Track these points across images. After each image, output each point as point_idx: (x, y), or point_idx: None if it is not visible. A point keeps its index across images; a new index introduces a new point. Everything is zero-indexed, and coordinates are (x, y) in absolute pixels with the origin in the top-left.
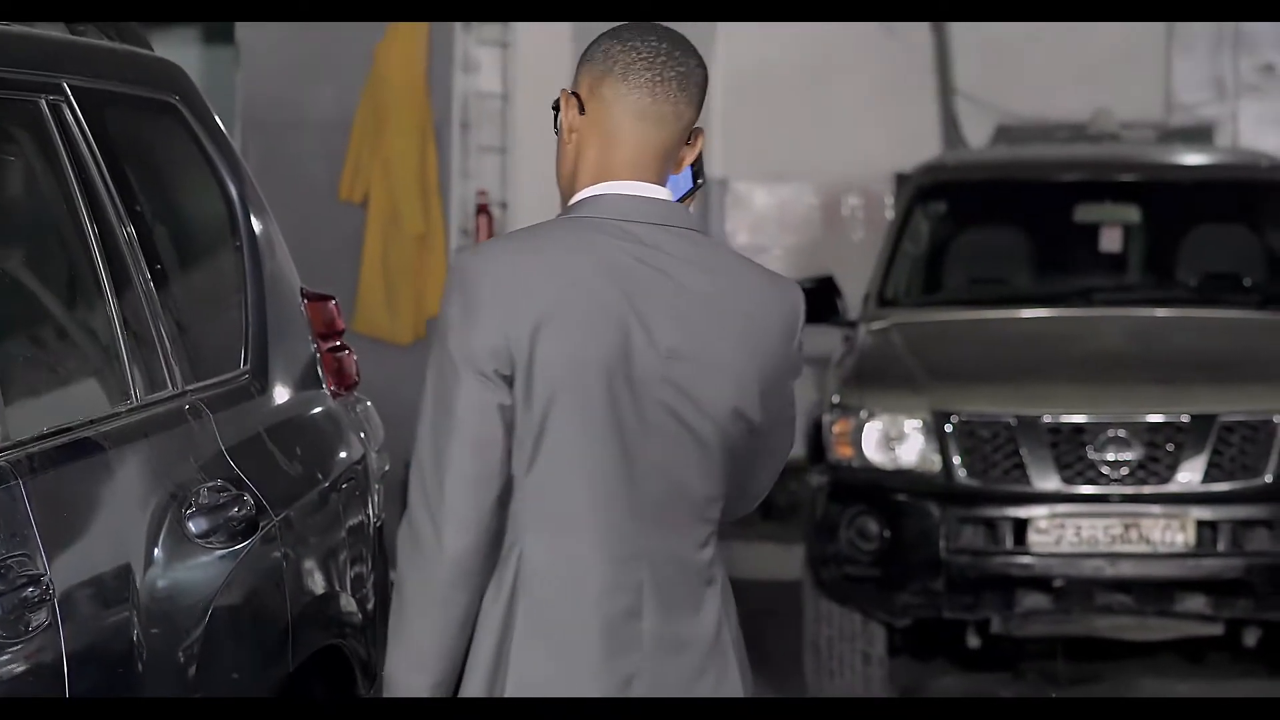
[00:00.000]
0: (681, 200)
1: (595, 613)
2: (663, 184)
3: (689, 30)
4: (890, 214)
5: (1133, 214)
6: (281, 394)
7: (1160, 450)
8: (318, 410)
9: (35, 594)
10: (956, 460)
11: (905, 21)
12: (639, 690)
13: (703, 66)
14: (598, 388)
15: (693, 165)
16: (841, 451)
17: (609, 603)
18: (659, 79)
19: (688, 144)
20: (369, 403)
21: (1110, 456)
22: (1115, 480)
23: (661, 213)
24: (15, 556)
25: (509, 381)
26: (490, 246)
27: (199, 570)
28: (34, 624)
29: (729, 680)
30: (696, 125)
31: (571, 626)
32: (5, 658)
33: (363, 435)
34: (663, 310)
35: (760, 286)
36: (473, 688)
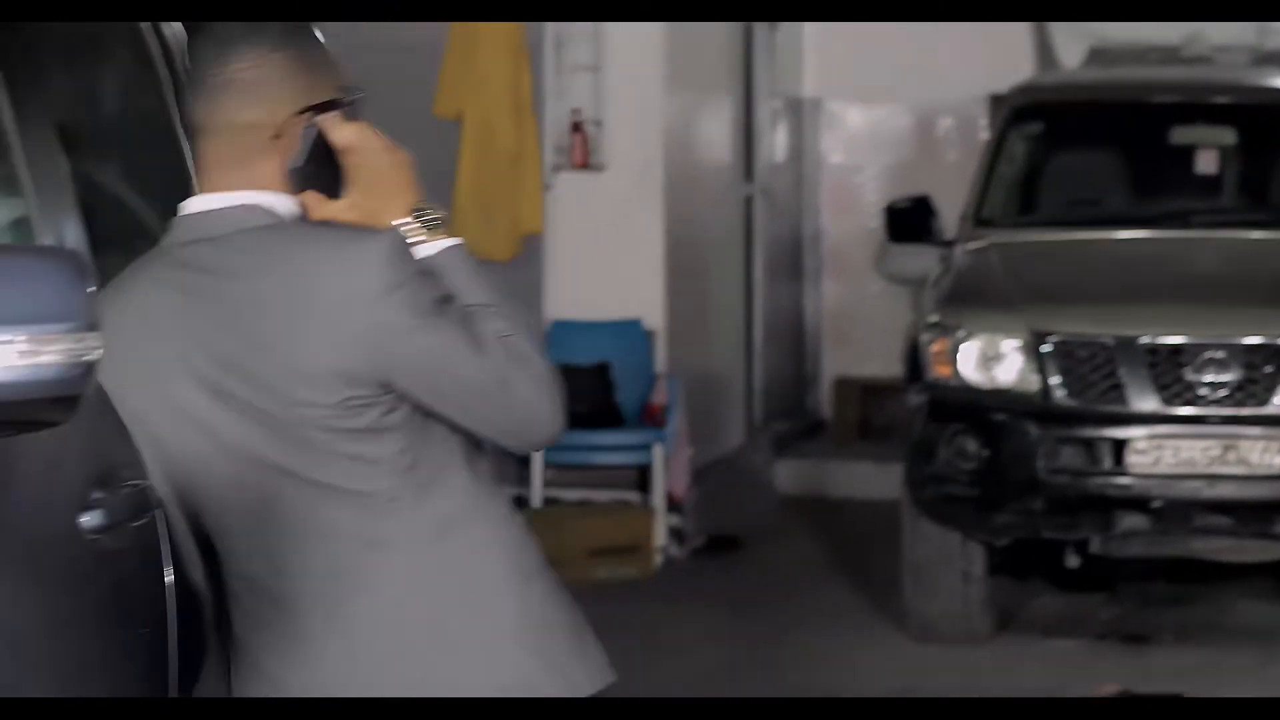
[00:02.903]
0: (323, 170)
1: (247, 623)
2: (261, 185)
3: None
4: (984, 135)
5: (1228, 136)
6: None
7: (1259, 372)
8: None
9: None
10: (1054, 380)
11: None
12: (319, 685)
13: (260, 65)
14: (169, 426)
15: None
16: (940, 370)
17: (263, 610)
18: (201, 90)
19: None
20: None
21: (1208, 378)
22: (1213, 402)
23: (207, 226)
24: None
25: None
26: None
27: None
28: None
29: (426, 662)
30: (303, 105)
31: (242, 645)
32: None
33: None
34: (204, 331)
35: (311, 267)
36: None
